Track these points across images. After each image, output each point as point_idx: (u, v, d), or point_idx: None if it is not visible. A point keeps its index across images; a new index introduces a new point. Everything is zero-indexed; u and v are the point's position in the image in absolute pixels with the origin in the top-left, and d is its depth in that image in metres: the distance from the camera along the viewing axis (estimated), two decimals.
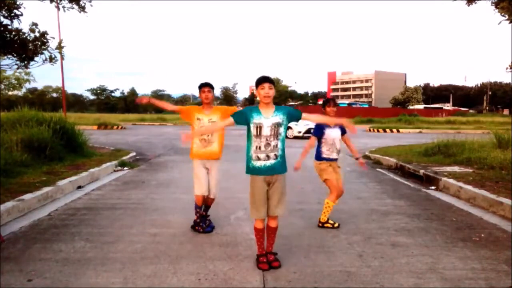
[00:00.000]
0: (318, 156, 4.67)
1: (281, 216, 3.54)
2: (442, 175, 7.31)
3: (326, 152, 4.62)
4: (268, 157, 3.31)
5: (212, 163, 4.43)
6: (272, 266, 3.40)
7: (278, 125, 3.31)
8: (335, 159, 4.67)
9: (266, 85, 3.28)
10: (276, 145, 3.32)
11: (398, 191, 6.83)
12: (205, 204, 4.53)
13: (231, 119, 3.37)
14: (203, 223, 4.45)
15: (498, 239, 4.25)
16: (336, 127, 4.63)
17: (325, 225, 4.62)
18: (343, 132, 4.71)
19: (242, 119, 3.35)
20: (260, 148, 3.30)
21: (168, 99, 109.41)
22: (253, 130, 3.30)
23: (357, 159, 4.92)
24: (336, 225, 4.60)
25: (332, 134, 4.59)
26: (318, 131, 4.61)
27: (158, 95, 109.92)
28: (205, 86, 4.37)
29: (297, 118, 3.44)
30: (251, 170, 3.37)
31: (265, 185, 3.37)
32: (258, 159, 3.32)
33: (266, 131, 3.29)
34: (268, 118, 3.30)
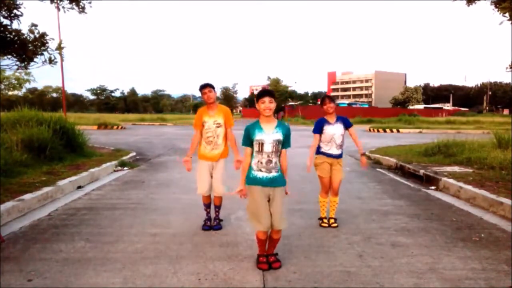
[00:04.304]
0: (317, 150, 4.76)
1: (285, 229, 3.50)
2: (442, 175, 7.31)
3: (324, 147, 4.68)
4: (269, 171, 3.35)
5: (217, 162, 4.49)
6: (272, 267, 3.40)
7: (278, 142, 3.34)
8: (336, 156, 4.65)
9: (267, 99, 3.30)
10: (276, 162, 3.37)
11: (398, 191, 6.83)
12: (214, 204, 4.60)
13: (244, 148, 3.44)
14: (209, 221, 4.56)
15: (498, 239, 4.25)
16: (338, 122, 4.65)
17: (321, 224, 4.67)
18: (347, 126, 4.73)
19: (249, 142, 3.39)
20: (261, 163, 3.34)
21: (168, 99, 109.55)
22: (255, 147, 3.34)
23: (362, 154, 4.90)
24: (329, 224, 4.66)
25: (331, 130, 4.63)
26: (316, 129, 4.70)
27: (158, 95, 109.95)
28: (205, 87, 4.42)
29: (283, 146, 3.43)
30: (252, 180, 3.36)
31: (265, 197, 3.36)
32: (260, 171, 3.35)
33: (267, 147, 3.31)
34: (269, 134, 3.33)
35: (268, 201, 3.37)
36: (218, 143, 4.44)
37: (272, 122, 3.37)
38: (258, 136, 3.32)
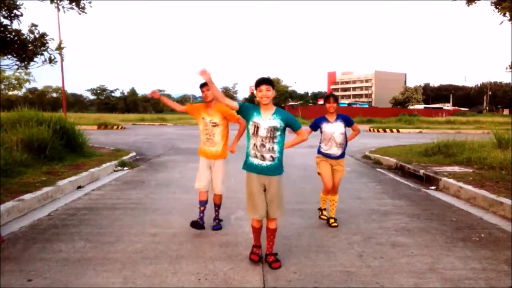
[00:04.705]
0: (318, 150, 4.80)
1: (281, 218, 3.55)
2: (442, 175, 7.31)
3: (324, 147, 4.70)
4: (263, 158, 3.38)
5: (215, 162, 4.50)
6: (272, 267, 3.41)
7: (274, 128, 3.37)
8: (336, 157, 4.64)
9: (264, 87, 3.35)
10: (272, 148, 3.38)
11: (398, 191, 6.82)
12: (214, 203, 4.59)
13: (236, 105, 3.43)
14: (201, 220, 4.43)
15: (498, 239, 4.25)
16: (338, 121, 4.63)
17: (321, 216, 4.80)
18: (349, 124, 4.72)
19: (244, 111, 3.44)
20: (256, 146, 3.39)
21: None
22: (251, 128, 3.40)
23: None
24: (328, 220, 4.70)
25: (330, 128, 4.62)
26: (313, 126, 4.73)
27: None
28: (204, 86, 4.44)
29: (293, 130, 3.48)
30: (248, 166, 3.46)
31: (261, 186, 3.43)
32: (255, 156, 3.40)
33: (262, 132, 3.36)
34: (265, 120, 3.37)
35: (265, 190, 3.43)
36: (214, 141, 4.46)
37: (270, 109, 3.42)
38: (255, 119, 3.38)
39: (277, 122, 3.37)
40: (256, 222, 3.49)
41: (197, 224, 4.36)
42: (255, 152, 3.39)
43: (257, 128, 3.37)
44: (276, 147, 3.39)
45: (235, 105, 3.42)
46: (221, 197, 4.60)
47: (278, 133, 3.38)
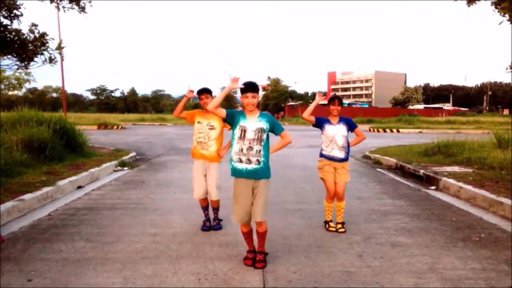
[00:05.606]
0: (320, 152, 4.68)
1: (264, 220, 3.47)
2: (442, 175, 7.31)
3: (325, 149, 4.59)
4: (249, 161, 3.36)
5: (210, 165, 4.48)
6: (256, 266, 3.43)
7: (261, 130, 3.39)
8: (340, 159, 4.52)
9: (249, 94, 3.36)
10: (259, 151, 3.37)
11: (398, 191, 6.82)
12: (212, 206, 4.60)
13: (224, 111, 3.40)
14: (208, 222, 4.56)
15: (498, 239, 4.25)
16: (340, 123, 4.56)
17: (329, 228, 4.55)
18: (352, 128, 4.60)
19: (230, 117, 3.43)
20: (242, 150, 3.37)
21: (168, 99, 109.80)
22: (238, 132, 3.40)
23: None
24: (334, 229, 4.53)
25: (331, 130, 4.52)
26: (318, 119, 4.60)
27: (158, 95, 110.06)
28: (202, 93, 4.44)
29: (276, 133, 3.50)
30: (233, 172, 3.44)
31: (249, 190, 3.41)
32: (240, 161, 3.38)
33: (250, 134, 3.37)
34: (252, 122, 3.40)
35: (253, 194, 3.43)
36: (208, 144, 4.44)
37: (255, 113, 3.45)
38: (241, 122, 3.40)
39: (264, 124, 3.39)
40: (242, 227, 3.52)
41: (205, 227, 4.50)
42: (240, 157, 3.37)
43: (244, 131, 3.37)
44: (262, 151, 3.39)
45: (224, 113, 3.39)
46: (218, 202, 4.59)
47: (265, 135, 3.40)
